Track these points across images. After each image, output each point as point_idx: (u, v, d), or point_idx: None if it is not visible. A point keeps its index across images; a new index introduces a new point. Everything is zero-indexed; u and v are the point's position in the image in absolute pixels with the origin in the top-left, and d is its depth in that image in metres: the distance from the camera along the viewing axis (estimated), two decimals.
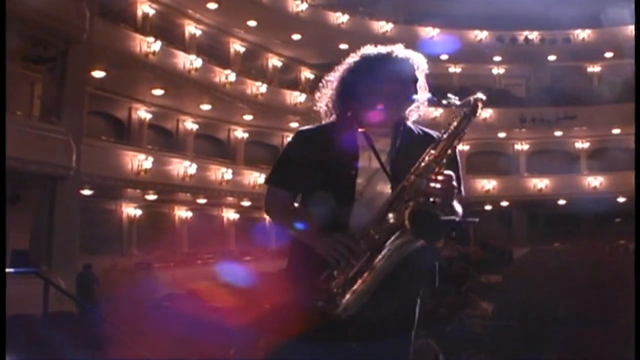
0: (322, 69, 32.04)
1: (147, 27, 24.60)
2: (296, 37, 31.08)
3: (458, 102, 3.12)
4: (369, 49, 3.37)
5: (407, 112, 3.31)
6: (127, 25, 22.97)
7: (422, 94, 3.27)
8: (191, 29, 27.79)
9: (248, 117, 29.46)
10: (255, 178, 27.95)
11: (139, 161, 22.23)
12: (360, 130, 3.20)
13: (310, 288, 2.94)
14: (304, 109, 30.08)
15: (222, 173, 26.50)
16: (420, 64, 3.34)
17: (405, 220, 2.86)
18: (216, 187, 26.40)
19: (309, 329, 2.95)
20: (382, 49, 3.35)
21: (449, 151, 3.13)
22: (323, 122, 3.43)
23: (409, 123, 3.33)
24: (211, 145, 29.97)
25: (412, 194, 2.93)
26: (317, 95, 3.53)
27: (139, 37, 22.77)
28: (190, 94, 25.52)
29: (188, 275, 21.78)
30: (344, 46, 32.25)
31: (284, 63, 33.64)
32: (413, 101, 3.24)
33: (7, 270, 15.36)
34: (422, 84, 3.31)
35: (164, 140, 27.56)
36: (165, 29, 25.73)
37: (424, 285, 3.16)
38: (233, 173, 27.07)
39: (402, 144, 3.20)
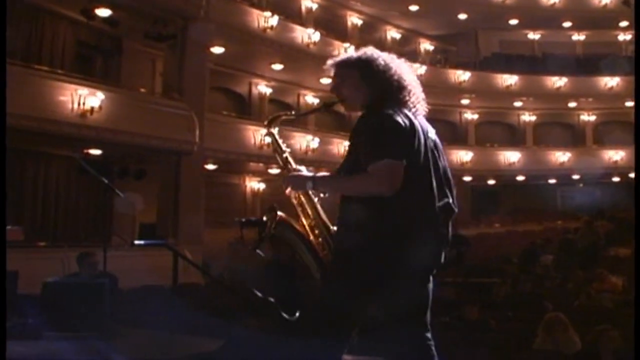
0: (442, 40, 31.67)
1: (263, 1, 24.66)
2: (414, 8, 30.62)
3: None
4: None
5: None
6: (243, 1, 23.07)
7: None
8: (307, 2, 27.75)
9: None
10: None
11: (262, 135, 22.39)
12: None
13: None
14: (425, 81, 29.60)
15: (344, 147, 26.50)
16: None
17: None
18: (338, 160, 26.27)
19: None
20: None
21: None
22: None
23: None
24: (332, 119, 29.98)
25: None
26: None
27: (255, 12, 22.84)
28: (309, 68, 25.49)
29: None
30: (462, 16, 31.80)
31: (403, 35, 33.29)
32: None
33: (138, 242, 15.90)
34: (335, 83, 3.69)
35: None
36: (280, 3, 25.70)
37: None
38: None
39: None
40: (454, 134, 33.39)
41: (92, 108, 16.06)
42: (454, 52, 34.50)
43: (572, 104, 33.40)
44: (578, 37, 35.30)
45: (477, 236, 23.56)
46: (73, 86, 16.06)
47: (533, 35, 35.31)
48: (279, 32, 23.33)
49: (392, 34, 32.89)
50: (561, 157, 31.90)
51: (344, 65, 3.58)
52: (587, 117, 34.36)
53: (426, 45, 34.35)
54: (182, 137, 17.82)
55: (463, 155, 31.08)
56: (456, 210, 3.32)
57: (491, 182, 32.20)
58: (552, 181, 32.41)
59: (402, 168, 3.10)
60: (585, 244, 17.29)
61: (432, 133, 3.44)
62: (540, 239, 21.07)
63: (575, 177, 32.60)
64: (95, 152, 17.17)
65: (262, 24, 22.69)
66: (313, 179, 3.31)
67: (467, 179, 31.74)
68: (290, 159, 3.56)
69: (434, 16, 31.61)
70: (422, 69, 29.81)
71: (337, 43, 26.55)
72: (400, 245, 3.09)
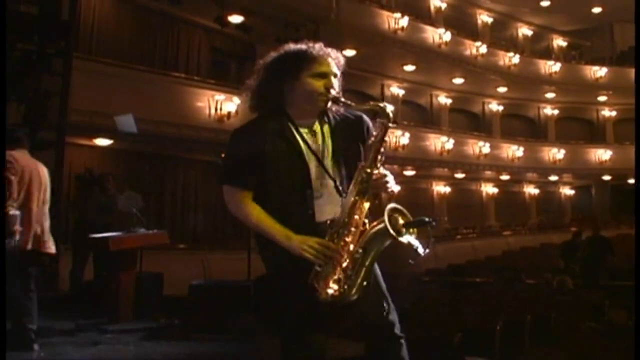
0: (575, 36, 30.81)
1: (392, 3, 24.60)
2: (545, 3, 30.13)
3: (352, 104, 3.23)
4: (288, 47, 3.46)
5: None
6: (373, 3, 23.08)
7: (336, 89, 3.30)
8: (436, 2, 27.60)
9: (502, 89, 28.95)
10: (514, 151, 28.06)
11: (397, 137, 22.51)
12: (289, 124, 3.27)
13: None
14: (559, 79, 29.19)
15: (479, 147, 26.34)
16: (337, 60, 3.45)
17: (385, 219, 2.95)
18: (474, 162, 26.31)
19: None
20: (300, 46, 3.41)
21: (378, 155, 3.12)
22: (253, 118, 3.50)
23: (334, 109, 3.33)
24: (466, 119, 29.78)
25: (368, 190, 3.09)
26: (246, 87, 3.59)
27: (385, 13, 22.84)
28: (441, 68, 25.43)
29: (448, 251, 21.87)
30: (597, 10, 30.96)
31: (534, 32, 32.70)
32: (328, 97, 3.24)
33: None
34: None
35: (419, 115, 27.75)
36: (410, 3, 25.62)
37: None
38: (490, 146, 26.85)
39: (332, 136, 3.28)
40: (590, 132, 32.65)
41: (229, 113, 16.42)
42: (588, 48, 33.63)
43: None
44: None
45: (618, 237, 22.81)
46: (210, 92, 16.49)
47: None
48: (410, 32, 23.26)
49: (524, 31, 32.38)
50: None
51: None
52: None
53: (559, 42, 33.68)
54: None
55: (601, 154, 30.27)
56: None
57: (631, 181, 31.18)
58: None
59: None
60: None
61: None
62: None
63: None
64: None
65: (393, 25, 22.67)
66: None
67: (606, 178, 30.94)
68: None
69: (566, 11, 30.90)
70: (556, 66, 29.29)
71: (468, 42, 26.35)
72: None
